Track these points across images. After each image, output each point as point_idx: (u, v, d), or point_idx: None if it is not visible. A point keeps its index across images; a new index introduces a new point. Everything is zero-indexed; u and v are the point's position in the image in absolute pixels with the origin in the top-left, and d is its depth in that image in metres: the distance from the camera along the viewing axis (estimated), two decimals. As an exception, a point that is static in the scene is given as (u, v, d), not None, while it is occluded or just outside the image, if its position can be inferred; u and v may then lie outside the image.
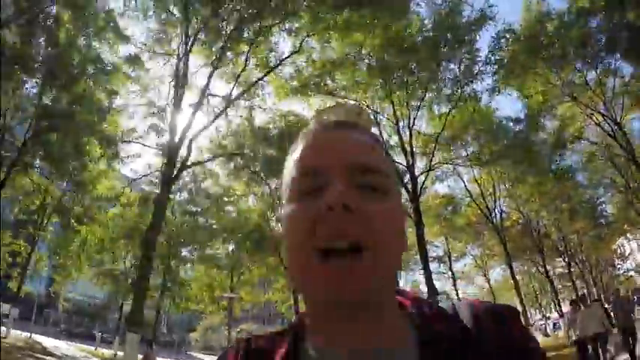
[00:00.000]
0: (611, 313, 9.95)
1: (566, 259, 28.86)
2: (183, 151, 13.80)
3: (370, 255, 0.47)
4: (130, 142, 16.05)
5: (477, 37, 15.11)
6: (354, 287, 0.46)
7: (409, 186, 15.02)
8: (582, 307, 9.13)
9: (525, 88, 16.87)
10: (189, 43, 14.12)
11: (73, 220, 17.20)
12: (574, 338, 9.39)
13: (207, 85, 14.59)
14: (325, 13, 13.25)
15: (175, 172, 13.43)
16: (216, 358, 0.63)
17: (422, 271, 16.08)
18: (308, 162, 0.54)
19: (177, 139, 13.48)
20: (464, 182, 22.03)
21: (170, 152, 13.33)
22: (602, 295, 28.28)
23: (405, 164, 15.13)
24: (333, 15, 13.26)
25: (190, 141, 13.98)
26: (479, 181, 21.99)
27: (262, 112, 17.11)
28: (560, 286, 32.56)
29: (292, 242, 0.51)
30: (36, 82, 15.18)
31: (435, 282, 31.57)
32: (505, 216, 24.32)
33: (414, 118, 15.99)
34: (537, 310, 45.13)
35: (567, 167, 20.28)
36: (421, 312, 0.56)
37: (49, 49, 14.26)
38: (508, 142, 17.62)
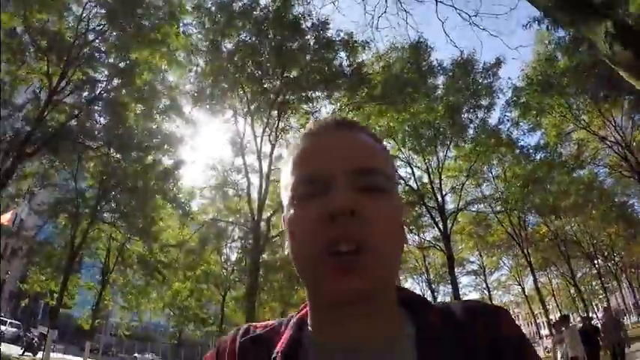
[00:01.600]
0: (601, 332, 10.22)
1: (597, 264, 29.95)
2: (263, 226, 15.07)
3: (374, 254, 0.51)
4: (217, 220, 18.63)
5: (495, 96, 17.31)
6: (360, 284, 0.50)
7: (440, 224, 16.95)
8: (564, 329, 9.33)
9: (542, 120, 18.59)
10: (249, 115, 15.89)
11: (157, 272, 20.23)
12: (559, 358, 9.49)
13: (272, 152, 15.90)
14: (362, 102, 15.45)
15: (261, 247, 14.87)
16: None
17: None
18: (310, 167, 0.57)
19: (256, 216, 14.63)
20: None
21: (254, 231, 14.65)
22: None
23: (436, 206, 17.16)
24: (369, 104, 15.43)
25: (270, 216, 15.43)
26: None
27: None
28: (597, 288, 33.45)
29: (300, 245, 0.55)
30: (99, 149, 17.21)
31: (472, 293, 33.58)
32: (532, 229, 25.87)
33: (442, 163, 18.14)
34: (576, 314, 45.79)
35: (593, 174, 21.83)
36: (419, 308, 0.60)
37: (112, 123, 16.29)
38: (531, 167, 19.35)
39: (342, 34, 15.34)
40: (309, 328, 0.60)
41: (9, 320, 29.31)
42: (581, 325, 10.56)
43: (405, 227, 0.62)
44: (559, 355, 9.63)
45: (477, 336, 0.56)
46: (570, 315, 11.51)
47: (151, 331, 50.45)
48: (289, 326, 0.61)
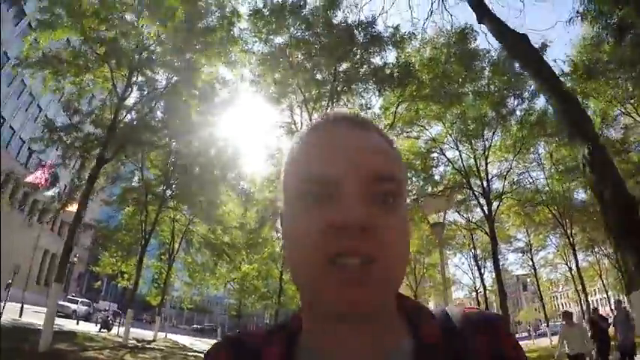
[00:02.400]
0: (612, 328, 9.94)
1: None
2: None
3: (381, 268, 0.48)
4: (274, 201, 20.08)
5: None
6: (364, 299, 0.47)
7: (485, 208, 17.71)
8: (566, 324, 9.04)
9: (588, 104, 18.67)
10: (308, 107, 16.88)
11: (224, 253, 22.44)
12: (563, 351, 9.10)
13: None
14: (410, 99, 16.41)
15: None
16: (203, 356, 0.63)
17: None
18: (316, 167, 0.52)
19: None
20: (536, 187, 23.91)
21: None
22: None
23: (481, 190, 17.90)
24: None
25: None
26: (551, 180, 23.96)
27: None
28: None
29: (300, 252, 0.51)
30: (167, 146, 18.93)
31: (518, 270, 34.06)
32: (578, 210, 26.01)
33: (489, 147, 18.77)
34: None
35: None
36: (418, 317, 0.58)
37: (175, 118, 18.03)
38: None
39: (389, 29, 16.16)
40: (303, 340, 0.57)
41: (80, 299, 32.22)
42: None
43: (409, 241, 0.56)
44: (563, 349, 9.17)
45: (477, 350, 0.55)
46: (620, 298, 11.13)
47: (210, 304, 54.08)
48: (280, 338, 0.58)
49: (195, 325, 55.22)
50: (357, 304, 0.47)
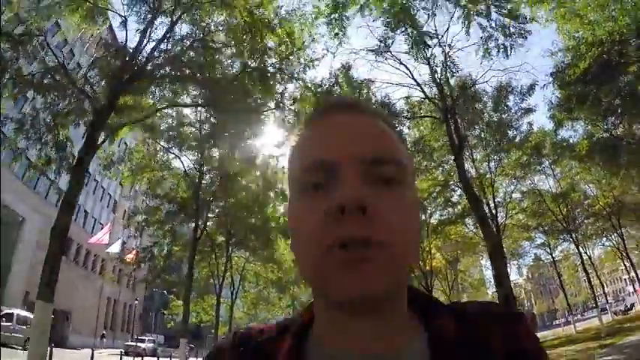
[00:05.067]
0: None
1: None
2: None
3: (383, 251, 0.48)
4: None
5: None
6: (369, 284, 0.47)
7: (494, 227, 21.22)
8: None
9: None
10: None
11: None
12: None
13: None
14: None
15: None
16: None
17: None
18: (316, 154, 0.53)
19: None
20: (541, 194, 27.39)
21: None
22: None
23: (489, 214, 21.47)
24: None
25: None
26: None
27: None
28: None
29: (303, 239, 0.51)
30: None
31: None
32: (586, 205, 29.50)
33: (494, 173, 22.02)
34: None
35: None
36: (431, 311, 0.58)
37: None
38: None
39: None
40: (314, 335, 0.58)
41: (147, 338, 37.03)
42: None
43: (419, 223, 0.57)
44: None
45: (495, 345, 0.55)
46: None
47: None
48: (291, 333, 0.59)
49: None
50: (363, 289, 0.47)
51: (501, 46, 12.97)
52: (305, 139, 0.57)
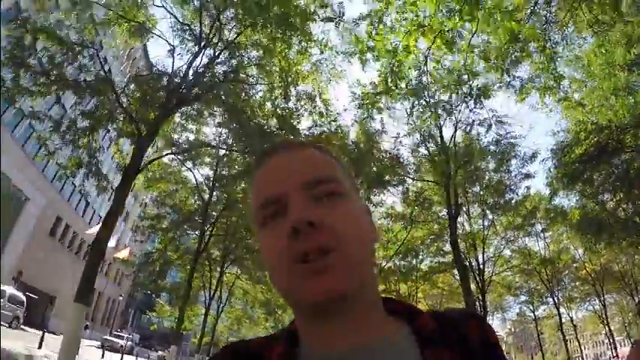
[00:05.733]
0: None
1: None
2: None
3: (338, 254, 0.55)
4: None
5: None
6: (330, 284, 0.54)
7: (479, 284, 22.23)
8: None
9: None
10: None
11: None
12: None
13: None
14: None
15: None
16: None
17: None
18: (267, 191, 0.62)
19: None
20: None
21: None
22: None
23: (477, 269, 22.60)
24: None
25: None
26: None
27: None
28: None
29: (271, 262, 0.59)
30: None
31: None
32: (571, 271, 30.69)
33: (488, 229, 23.27)
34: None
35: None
36: (409, 313, 0.65)
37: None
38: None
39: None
40: (303, 340, 0.62)
41: (125, 335, 37.29)
42: None
43: (372, 225, 0.66)
44: None
45: (471, 337, 0.62)
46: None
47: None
48: (282, 339, 0.64)
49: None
50: (326, 291, 0.54)
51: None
52: (256, 181, 0.65)
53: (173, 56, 12.94)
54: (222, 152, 18.84)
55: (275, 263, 0.58)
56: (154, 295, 32.09)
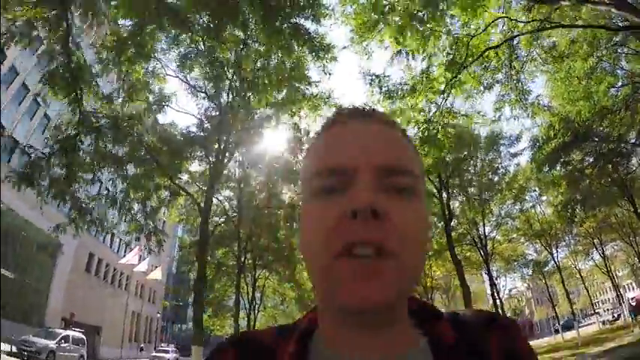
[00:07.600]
0: None
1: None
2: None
3: (395, 261, 0.49)
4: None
5: None
6: (380, 293, 0.48)
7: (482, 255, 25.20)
8: None
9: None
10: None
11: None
12: None
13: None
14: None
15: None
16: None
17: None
18: (333, 159, 0.55)
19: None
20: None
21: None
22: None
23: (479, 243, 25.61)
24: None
25: None
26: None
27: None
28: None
29: (314, 245, 0.52)
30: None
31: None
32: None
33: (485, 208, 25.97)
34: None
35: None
36: (429, 318, 0.60)
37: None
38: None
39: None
40: (318, 339, 0.59)
41: (170, 349, 40.67)
42: None
43: (429, 235, 0.59)
44: None
45: (492, 350, 0.58)
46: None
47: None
48: (294, 338, 0.59)
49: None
50: (370, 299, 0.48)
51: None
52: (321, 144, 0.59)
53: (209, 105, 15.86)
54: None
55: (317, 245, 0.52)
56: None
